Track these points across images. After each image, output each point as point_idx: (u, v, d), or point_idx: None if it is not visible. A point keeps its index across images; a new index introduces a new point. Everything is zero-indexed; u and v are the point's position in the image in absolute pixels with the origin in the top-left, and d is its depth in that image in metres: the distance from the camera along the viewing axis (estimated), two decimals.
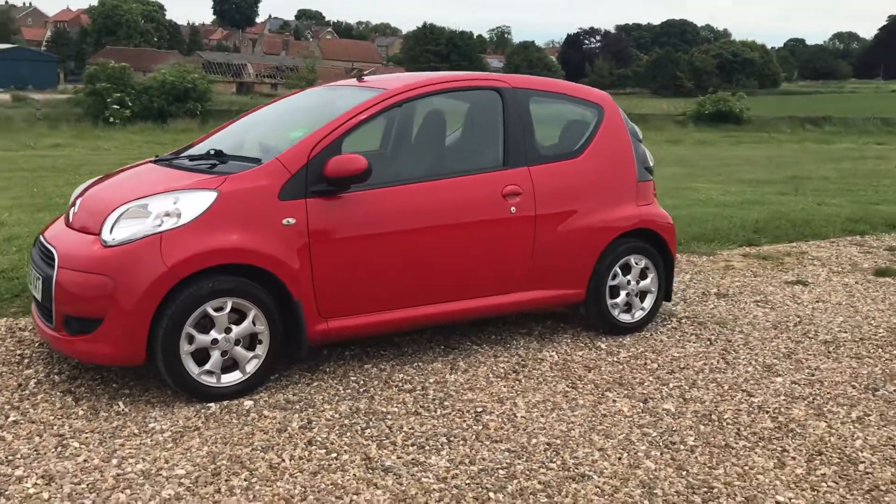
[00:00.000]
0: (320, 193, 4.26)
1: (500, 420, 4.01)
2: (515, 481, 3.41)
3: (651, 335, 5.41)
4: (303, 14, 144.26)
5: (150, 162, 4.93)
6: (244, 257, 4.04)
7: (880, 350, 5.23)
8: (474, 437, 3.81)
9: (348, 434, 3.80)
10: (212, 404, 4.04)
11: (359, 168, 4.21)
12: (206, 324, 4.02)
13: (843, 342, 5.36)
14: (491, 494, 3.30)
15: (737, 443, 3.84)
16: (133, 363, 3.98)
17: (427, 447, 3.69)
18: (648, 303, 5.49)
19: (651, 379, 4.62)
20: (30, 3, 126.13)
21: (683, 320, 5.77)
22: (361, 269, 4.40)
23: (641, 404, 4.26)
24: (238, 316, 4.10)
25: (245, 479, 3.35)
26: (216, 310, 4.02)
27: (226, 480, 3.34)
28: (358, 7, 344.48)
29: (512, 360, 4.83)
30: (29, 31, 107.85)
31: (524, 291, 4.99)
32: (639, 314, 5.45)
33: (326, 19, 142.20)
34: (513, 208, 4.82)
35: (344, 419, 3.95)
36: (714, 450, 3.76)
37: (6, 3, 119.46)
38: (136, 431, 3.75)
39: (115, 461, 3.46)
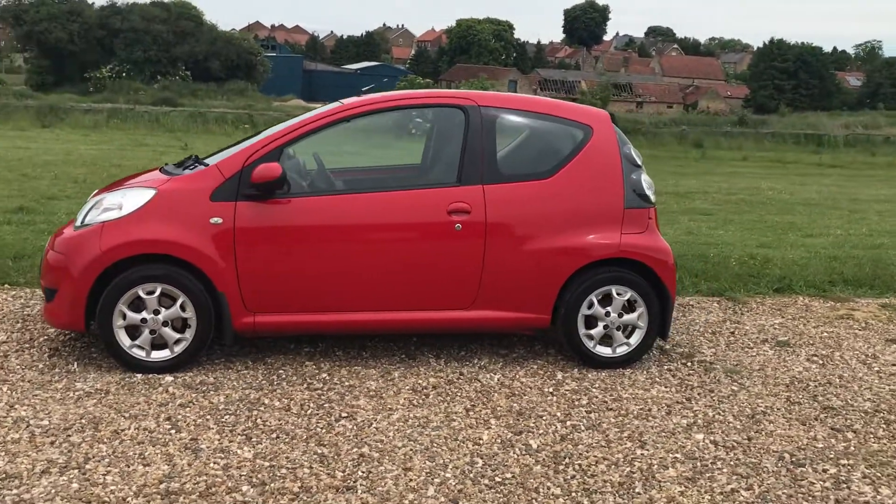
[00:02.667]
0: (250, 197, 4.66)
1: (350, 428, 4.11)
2: (280, 482, 3.54)
3: (632, 372, 5.04)
4: (652, 31, 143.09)
5: (157, 169, 5.64)
6: (167, 248, 4.58)
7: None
8: (305, 437, 3.98)
9: (210, 417, 4.16)
10: (138, 375, 4.64)
11: (273, 175, 4.56)
12: (139, 304, 4.63)
13: (839, 413, 4.55)
14: (244, 489, 3.48)
15: (556, 492, 3.57)
16: (76, 329, 4.71)
17: (254, 439, 3.94)
18: (636, 339, 5.11)
19: (561, 414, 4.37)
20: (402, 25, 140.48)
21: (692, 362, 5.26)
22: (288, 271, 4.72)
23: (508, 436, 4.08)
24: (172, 301, 4.65)
25: (81, 437, 3.88)
26: (147, 293, 4.61)
27: (67, 436, 3.89)
28: (710, 23, 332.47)
29: (446, 377, 4.83)
30: (398, 50, 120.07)
31: (474, 310, 4.95)
32: (622, 349, 5.10)
33: (676, 36, 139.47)
34: (458, 225, 4.82)
35: (223, 405, 4.32)
36: (516, 490, 3.55)
37: (383, 24, 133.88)
38: (60, 387, 4.45)
39: (16, 405, 4.18)
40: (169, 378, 4.63)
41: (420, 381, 4.75)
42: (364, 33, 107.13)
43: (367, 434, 4.03)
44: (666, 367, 5.18)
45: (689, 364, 5.25)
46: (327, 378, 4.74)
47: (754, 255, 8.42)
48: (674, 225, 10.53)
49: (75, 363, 4.78)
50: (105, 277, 4.59)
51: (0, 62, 75.55)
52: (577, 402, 4.55)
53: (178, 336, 4.69)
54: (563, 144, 5.10)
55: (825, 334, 6.03)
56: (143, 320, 4.62)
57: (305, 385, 4.63)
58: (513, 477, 3.67)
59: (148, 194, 4.67)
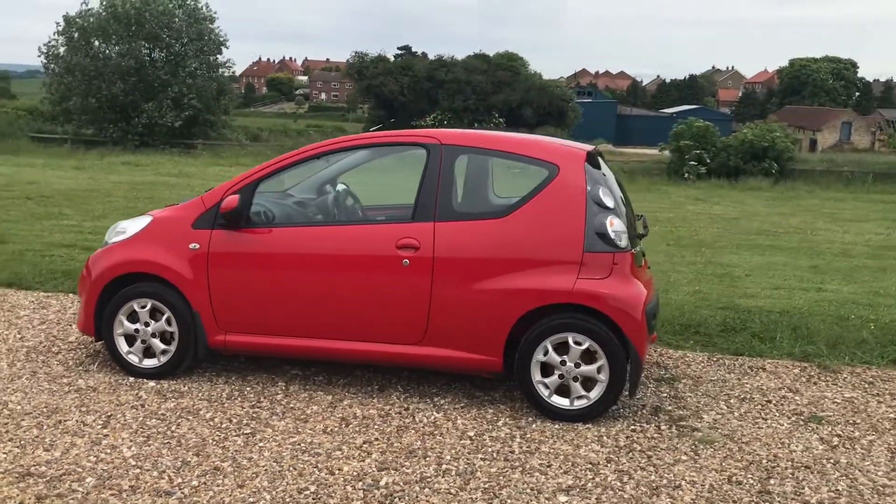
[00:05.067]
0: (223, 226, 5.14)
1: (237, 443, 4.36)
2: (120, 479, 3.90)
3: (587, 427, 4.68)
4: None
5: None
6: (152, 268, 5.20)
7: None
8: (191, 446, 4.30)
9: (142, 420, 4.65)
10: (130, 378, 5.30)
11: (231, 206, 5.00)
12: (135, 317, 5.30)
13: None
14: (87, 479, 3.89)
15: None
16: (89, 334, 5.47)
17: (151, 442, 4.35)
18: (596, 392, 4.74)
19: (449, 457, 4.24)
20: (732, 67, 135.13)
21: (673, 426, 4.75)
22: (253, 296, 5.11)
23: (366, 472, 4.06)
24: (161, 315, 5.27)
25: (31, 421, 4.57)
26: (141, 307, 5.27)
27: (21, 419, 4.61)
28: None
29: (386, 410, 4.88)
30: (725, 93, 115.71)
31: (424, 346, 4.94)
32: (580, 402, 4.76)
33: None
34: (406, 261, 4.87)
35: (165, 411, 4.79)
36: None
37: (712, 67, 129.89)
38: (65, 381, 5.23)
39: (17, 391, 5.01)
40: (151, 384, 5.22)
41: (357, 412, 4.85)
42: (687, 76, 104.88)
43: (245, 451, 4.26)
44: (632, 427, 4.73)
45: (664, 427, 4.75)
46: (280, 398, 5.03)
47: None
48: None
49: (96, 364, 5.56)
50: (114, 291, 5.31)
51: (348, 112, 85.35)
52: (481, 449, 4.36)
53: (164, 347, 5.27)
54: (527, 184, 4.93)
55: (885, 413, 5.05)
56: (137, 330, 5.28)
57: (250, 403, 4.96)
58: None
59: (145, 221, 5.35)
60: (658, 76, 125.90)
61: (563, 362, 4.75)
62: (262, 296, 5.11)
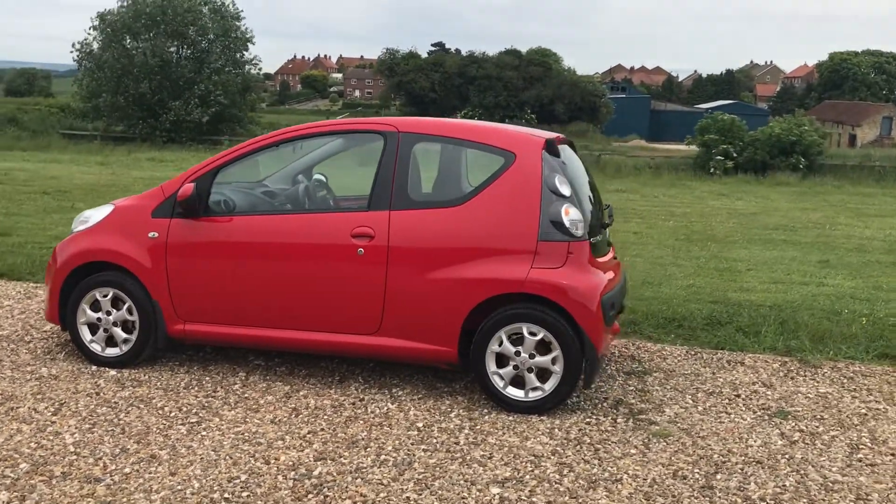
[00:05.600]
0: (181, 215, 5.12)
1: (181, 432, 4.33)
2: (54, 466, 3.90)
3: (540, 419, 4.59)
4: None
5: None
6: (112, 257, 5.20)
7: None
8: (133, 434, 4.28)
9: (93, 408, 4.65)
10: (93, 367, 5.31)
11: (185, 195, 4.97)
12: (97, 305, 5.30)
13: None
14: (22, 465, 3.89)
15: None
16: (55, 322, 5.48)
17: (95, 429, 4.33)
18: (550, 384, 4.65)
19: (391, 447, 4.17)
20: (770, 61, 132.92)
21: (630, 419, 4.63)
22: (210, 285, 5.08)
23: (300, 461, 4.01)
24: (122, 304, 5.27)
25: None
26: (103, 296, 5.27)
27: None
28: None
29: (340, 401, 4.83)
30: (763, 88, 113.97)
31: (379, 336, 4.88)
32: (535, 394, 4.67)
33: None
34: (360, 250, 4.81)
35: (118, 400, 4.78)
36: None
37: (750, 62, 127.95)
38: (28, 369, 5.25)
39: None
40: (113, 373, 5.22)
41: (311, 402, 4.81)
42: (724, 71, 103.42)
43: (186, 439, 4.23)
44: (587, 419, 4.63)
45: (621, 420, 4.63)
46: (237, 388, 5.00)
47: None
48: None
49: (64, 353, 5.58)
50: (78, 280, 5.32)
51: (381, 109, 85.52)
52: (426, 440, 4.29)
53: (125, 336, 5.27)
54: (484, 171, 4.84)
55: (857, 409, 4.89)
56: (99, 319, 5.28)
57: (206, 392, 4.93)
58: (250, 497, 3.64)
59: (107, 210, 5.35)
60: (695, 71, 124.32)
61: (518, 353, 4.66)
62: (219, 285, 5.08)
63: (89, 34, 32.34)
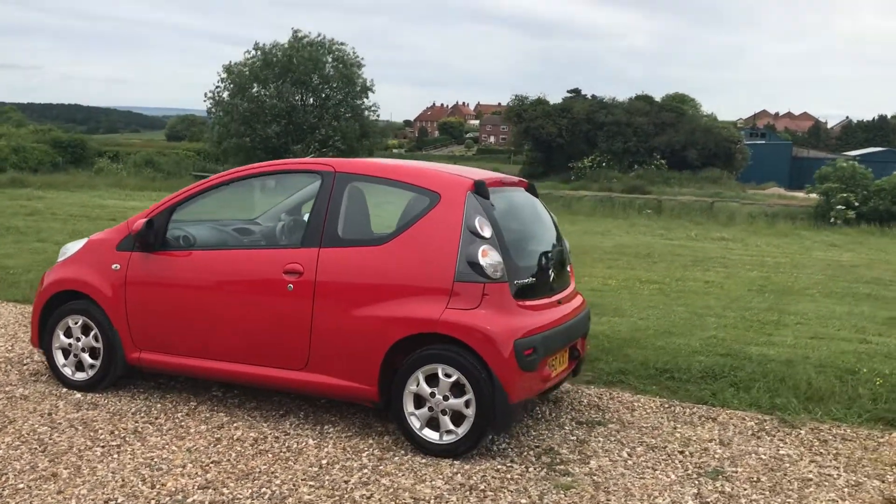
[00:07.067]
0: (139, 248, 5.39)
1: (96, 453, 4.52)
2: None
3: (450, 464, 4.49)
4: None
5: None
6: (82, 287, 5.52)
7: None
8: (51, 454, 4.51)
9: (33, 426, 4.93)
10: (63, 389, 5.63)
11: (136, 230, 5.25)
12: (70, 332, 5.64)
13: None
14: None
15: None
16: (36, 346, 5.86)
17: (21, 448, 4.59)
18: (464, 428, 4.55)
19: (264, 481, 4.20)
20: None
21: (544, 469, 4.46)
22: (160, 316, 5.31)
23: (186, 487, 4.09)
24: (90, 332, 5.59)
25: None
26: (74, 323, 5.61)
27: None
28: None
29: (259, 433, 4.90)
30: None
31: (306, 372, 4.93)
32: (448, 437, 4.59)
33: None
34: (290, 286, 4.91)
35: (62, 420, 5.05)
36: None
37: None
38: (10, 391, 5.62)
39: None
40: (78, 395, 5.52)
41: (237, 434, 4.90)
42: (876, 117, 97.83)
43: (95, 461, 4.41)
44: (497, 466, 4.49)
45: (534, 469, 4.46)
46: (180, 416, 5.17)
47: None
48: None
49: (47, 375, 5.95)
50: (57, 306, 5.69)
51: (513, 155, 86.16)
52: (316, 477, 4.28)
53: (91, 361, 5.57)
54: (407, 212, 4.85)
55: (805, 475, 4.50)
56: (70, 345, 5.61)
57: (149, 419, 5.12)
58: None
59: (81, 243, 5.71)
60: (846, 117, 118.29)
61: (433, 394, 4.60)
62: (168, 316, 5.30)
63: (219, 84, 34.58)
